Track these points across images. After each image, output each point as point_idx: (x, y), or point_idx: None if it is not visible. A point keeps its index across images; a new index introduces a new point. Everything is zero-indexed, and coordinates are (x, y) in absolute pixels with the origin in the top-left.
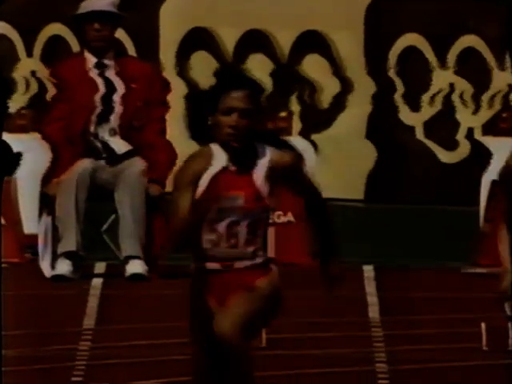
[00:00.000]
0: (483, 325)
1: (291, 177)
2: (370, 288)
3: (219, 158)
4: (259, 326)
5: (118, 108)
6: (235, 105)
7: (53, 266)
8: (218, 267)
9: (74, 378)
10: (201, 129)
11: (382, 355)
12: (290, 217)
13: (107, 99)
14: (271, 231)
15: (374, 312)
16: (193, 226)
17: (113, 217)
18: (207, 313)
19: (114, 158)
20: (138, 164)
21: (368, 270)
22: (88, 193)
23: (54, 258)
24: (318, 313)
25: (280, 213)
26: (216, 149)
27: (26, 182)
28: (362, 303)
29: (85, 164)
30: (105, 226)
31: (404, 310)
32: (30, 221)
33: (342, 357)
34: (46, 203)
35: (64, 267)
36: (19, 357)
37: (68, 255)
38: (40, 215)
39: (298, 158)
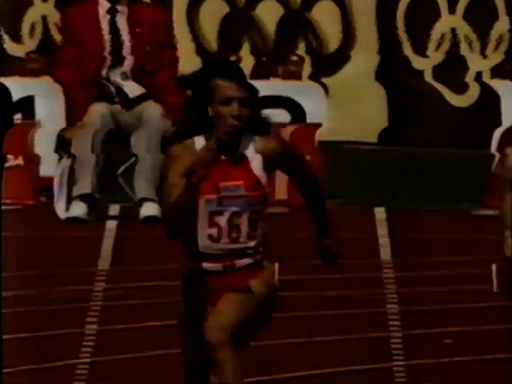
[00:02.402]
0: (494, 266)
1: (284, 163)
2: (382, 230)
3: (200, 150)
4: (252, 333)
5: (127, 53)
6: (232, 94)
7: (67, 208)
8: (219, 268)
9: (88, 319)
10: (202, 120)
11: (393, 296)
12: None
13: (116, 44)
14: (283, 174)
15: (385, 254)
16: (185, 211)
17: (132, 160)
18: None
19: (127, 102)
20: (155, 107)
21: (380, 212)
22: (105, 136)
23: (69, 200)
24: None
25: None
26: (199, 141)
27: (43, 124)
28: (373, 245)
29: (102, 108)
30: (121, 169)
31: (415, 252)
32: (45, 163)
33: (353, 298)
34: (63, 146)
35: (79, 209)
36: (35, 297)
37: (83, 198)
38: (59, 158)
39: (283, 142)
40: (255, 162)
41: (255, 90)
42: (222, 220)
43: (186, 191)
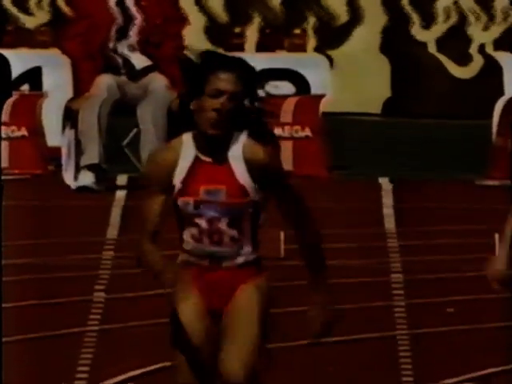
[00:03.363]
0: (496, 235)
1: (268, 179)
2: (386, 200)
3: (187, 148)
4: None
5: (135, 25)
6: (224, 87)
7: (76, 178)
8: (205, 263)
9: (97, 287)
10: (183, 116)
11: (397, 265)
12: (307, 131)
13: (124, 16)
14: (288, 146)
15: (389, 223)
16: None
17: (134, 131)
18: (195, 307)
19: (134, 73)
20: (161, 79)
21: (384, 182)
22: (111, 107)
23: (77, 170)
24: (334, 224)
25: (298, 127)
26: (187, 138)
27: (50, 95)
28: (377, 215)
29: (108, 79)
30: (126, 140)
31: (419, 222)
32: (53, 134)
33: (358, 267)
34: (70, 117)
35: (87, 179)
36: (44, 265)
37: (90, 167)
38: (63, 128)
39: (272, 156)
40: (239, 165)
41: (253, 85)
42: (202, 222)
43: (153, 275)
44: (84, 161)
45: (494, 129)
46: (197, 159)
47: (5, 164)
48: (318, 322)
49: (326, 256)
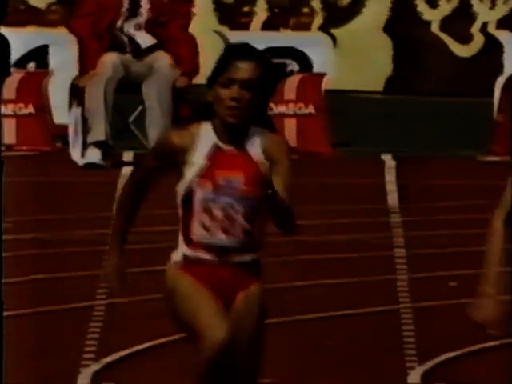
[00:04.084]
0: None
1: (273, 164)
2: (389, 176)
3: (206, 135)
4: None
5: (144, 4)
6: (236, 76)
7: (83, 155)
8: (212, 258)
9: (104, 262)
10: (200, 106)
11: (400, 240)
12: (310, 109)
13: None
14: (292, 123)
15: (392, 199)
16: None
17: (140, 108)
18: (202, 296)
19: (139, 52)
20: (165, 57)
21: (387, 159)
22: (117, 85)
23: (84, 147)
24: (338, 200)
25: (301, 105)
26: (205, 126)
27: (56, 73)
28: (380, 191)
29: (114, 57)
30: (132, 117)
31: (422, 197)
32: (59, 111)
33: (362, 242)
34: (76, 95)
35: (94, 155)
36: (52, 240)
37: (97, 144)
38: (70, 106)
39: (289, 147)
40: (259, 155)
41: (269, 65)
42: (216, 210)
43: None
44: (91, 138)
45: (495, 106)
46: (216, 147)
47: (12, 141)
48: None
49: (331, 225)
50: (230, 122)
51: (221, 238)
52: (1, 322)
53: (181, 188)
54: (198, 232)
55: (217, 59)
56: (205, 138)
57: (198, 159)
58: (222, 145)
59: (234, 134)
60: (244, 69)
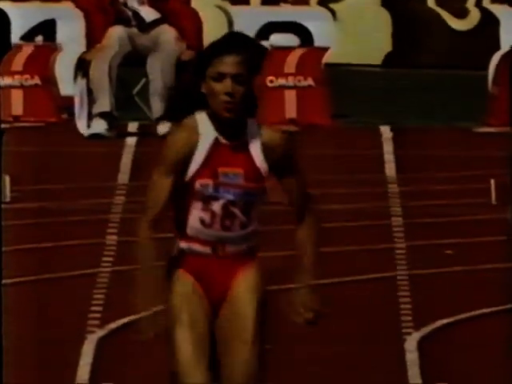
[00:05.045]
0: (492, 181)
1: (280, 161)
2: (387, 147)
3: (206, 129)
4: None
5: None
6: (225, 70)
7: (89, 126)
8: (207, 251)
9: (109, 230)
10: (193, 96)
11: (397, 210)
12: (310, 81)
13: None
14: (292, 95)
15: (390, 169)
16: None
17: (144, 80)
18: (196, 297)
19: (144, 26)
20: (170, 31)
21: (384, 130)
22: (122, 58)
23: (90, 118)
24: (337, 170)
25: (301, 77)
26: (201, 119)
27: (64, 47)
28: (379, 161)
29: (119, 31)
30: (136, 89)
31: (419, 168)
32: (66, 84)
33: (360, 211)
34: (82, 67)
35: (99, 126)
36: (59, 209)
37: (102, 115)
38: (75, 78)
39: (289, 140)
40: (257, 150)
41: (261, 55)
42: (217, 206)
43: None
44: (96, 109)
45: (491, 79)
46: (216, 141)
47: (19, 112)
48: (307, 309)
49: (329, 195)
50: (226, 117)
51: (218, 232)
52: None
53: (178, 184)
54: (195, 226)
55: (203, 51)
56: (206, 131)
57: (199, 155)
58: (221, 139)
59: (231, 127)
60: (231, 63)
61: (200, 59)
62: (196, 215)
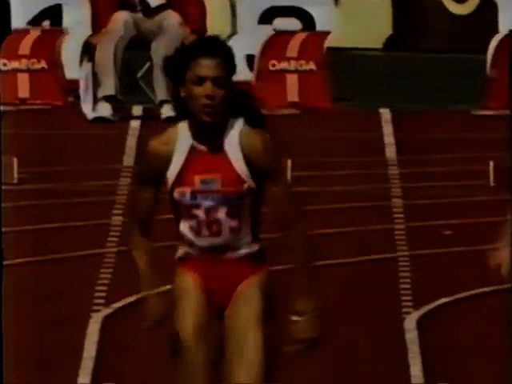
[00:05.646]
0: (491, 163)
1: (262, 164)
2: (387, 130)
3: (183, 137)
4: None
5: None
6: (205, 73)
7: (94, 109)
8: (207, 257)
9: (114, 211)
10: (176, 103)
11: (397, 191)
12: (312, 65)
13: None
14: (294, 79)
15: (390, 152)
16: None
17: (148, 64)
18: (198, 295)
19: (149, 11)
20: (174, 16)
21: (385, 113)
22: (127, 43)
23: (95, 101)
24: (338, 153)
25: (302, 61)
26: (182, 127)
27: (70, 32)
28: (379, 144)
29: (125, 15)
30: (140, 73)
31: (418, 150)
32: (72, 67)
33: (361, 193)
34: (88, 51)
35: (104, 109)
36: (65, 191)
37: (107, 99)
38: (81, 62)
39: (270, 141)
40: (235, 153)
41: (232, 70)
42: (200, 213)
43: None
44: (101, 92)
45: (489, 62)
46: (192, 149)
47: (26, 95)
48: (305, 337)
49: (331, 176)
50: (207, 121)
51: (208, 239)
52: (1, 270)
53: (169, 194)
54: (187, 234)
55: (178, 54)
56: (182, 140)
57: (175, 164)
58: (198, 146)
59: (210, 132)
60: (210, 66)
61: (176, 63)
62: (186, 223)
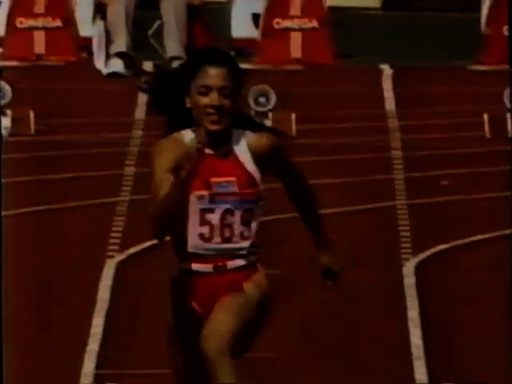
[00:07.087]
0: (486, 115)
1: (273, 162)
2: (387, 84)
3: (190, 142)
4: (246, 341)
5: None
6: (212, 83)
7: (106, 65)
8: (209, 269)
9: (127, 162)
10: (177, 112)
11: (397, 143)
12: (314, 23)
13: None
14: (298, 36)
15: (390, 105)
16: (173, 208)
17: (158, 22)
18: (195, 322)
19: None
20: None
21: (385, 69)
22: (137, 1)
23: (108, 57)
24: (340, 106)
25: (306, 20)
26: (187, 135)
27: None
28: (379, 98)
29: None
30: (151, 31)
31: (417, 103)
32: (85, 25)
33: (362, 144)
34: (100, 10)
35: (116, 65)
36: (80, 142)
37: (119, 55)
38: (93, 20)
39: (275, 139)
40: (245, 156)
41: (241, 82)
42: (214, 218)
43: (174, 187)
44: (113, 49)
45: (483, 20)
46: (203, 154)
47: (42, 51)
48: (330, 268)
49: (333, 129)
50: (214, 130)
51: (219, 245)
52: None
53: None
54: (195, 243)
55: (184, 65)
56: (189, 145)
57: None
58: (205, 150)
59: (218, 139)
60: (217, 75)
61: (183, 72)
62: (195, 231)
